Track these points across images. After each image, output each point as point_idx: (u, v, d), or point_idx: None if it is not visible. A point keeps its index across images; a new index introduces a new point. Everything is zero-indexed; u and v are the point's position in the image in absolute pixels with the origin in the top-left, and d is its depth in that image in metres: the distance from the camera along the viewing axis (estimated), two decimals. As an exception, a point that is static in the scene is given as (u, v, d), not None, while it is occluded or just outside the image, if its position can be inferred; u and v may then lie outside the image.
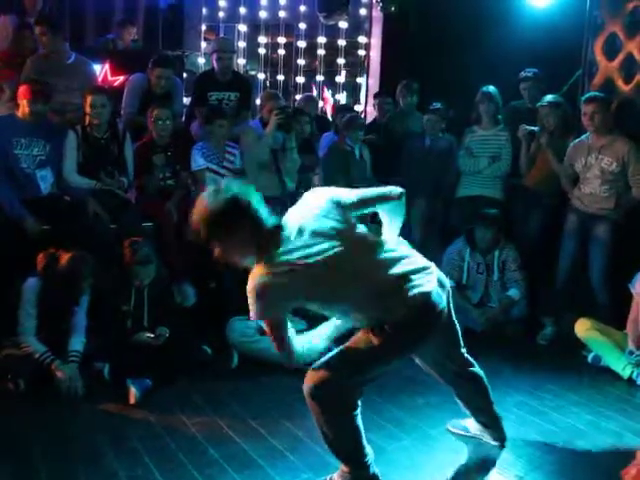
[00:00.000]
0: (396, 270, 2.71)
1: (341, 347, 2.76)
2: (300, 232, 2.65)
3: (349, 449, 2.83)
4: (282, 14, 8.85)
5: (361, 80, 8.60)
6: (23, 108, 4.63)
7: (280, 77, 9.15)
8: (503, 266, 5.19)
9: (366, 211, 2.91)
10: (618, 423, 3.68)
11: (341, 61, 8.82)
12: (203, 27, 9.05)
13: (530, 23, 5.95)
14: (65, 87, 5.18)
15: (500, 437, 3.34)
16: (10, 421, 3.50)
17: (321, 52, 8.81)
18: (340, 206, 2.76)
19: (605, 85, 5.25)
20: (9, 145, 4.59)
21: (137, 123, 5.34)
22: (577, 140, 4.98)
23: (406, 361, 3.94)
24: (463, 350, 3.17)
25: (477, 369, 3.23)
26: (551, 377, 4.29)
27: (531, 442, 3.42)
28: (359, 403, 2.78)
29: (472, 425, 3.40)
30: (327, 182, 5.69)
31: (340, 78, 8.99)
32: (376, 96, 6.68)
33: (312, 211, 2.73)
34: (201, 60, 8.79)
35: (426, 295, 2.70)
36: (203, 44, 8.96)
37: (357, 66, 8.84)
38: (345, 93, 9.24)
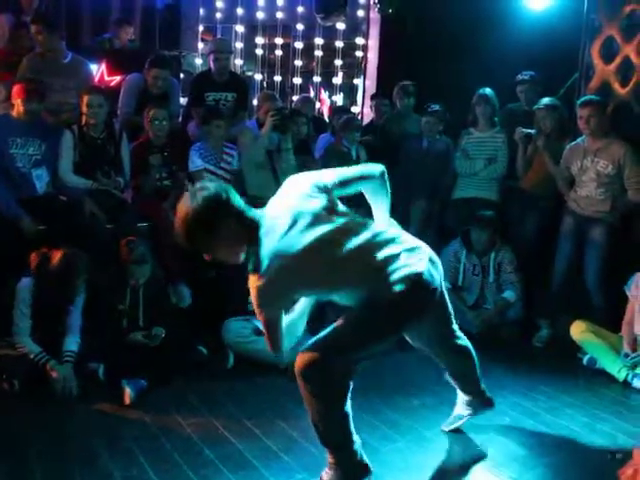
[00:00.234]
0: (387, 251, 2.71)
1: (332, 326, 2.74)
2: (287, 220, 2.65)
3: (336, 433, 2.80)
4: (279, 15, 8.86)
5: (358, 81, 8.62)
6: (18, 107, 4.62)
7: (277, 78, 9.16)
8: (499, 268, 5.19)
9: (349, 191, 2.88)
10: (613, 425, 3.69)
11: (338, 62, 8.84)
12: (200, 27, 9.06)
13: (527, 26, 5.96)
14: (61, 86, 5.17)
15: (487, 401, 3.41)
16: (5, 421, 3.49)
17: (318, 53, 8.82)
18: (323, 189, 2.76)
19: (602, 88, 5.26)
20: (4, 144, 4.58)
21: (134, 123, 5.33)
22: (573, 143, 4.99)
23: (402, 362, 3.98)
24: (455, 327, 3.19)
25: (466, 342, 3.25)
26: (546, 379, 4.30)
27: (525, 444, 3.42)
28: (350, 386, 2.75)
29: (461, 408, 3.44)
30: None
31: (337, 79, 9.01)
32: (373, 98, 6.70)
33: (296, 197, 2.72)
34: (198, 61, 8.79)
35: (418, 274, 2.69)
36: (200, 45, 8.96)
37: (354, 67, 8.86)
38: (342, 94, 9.26)
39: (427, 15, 6.77)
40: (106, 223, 4.74)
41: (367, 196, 2.98)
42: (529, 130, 5.28)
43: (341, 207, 2.80)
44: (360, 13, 8.33)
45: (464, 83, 5.81)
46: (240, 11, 8.92)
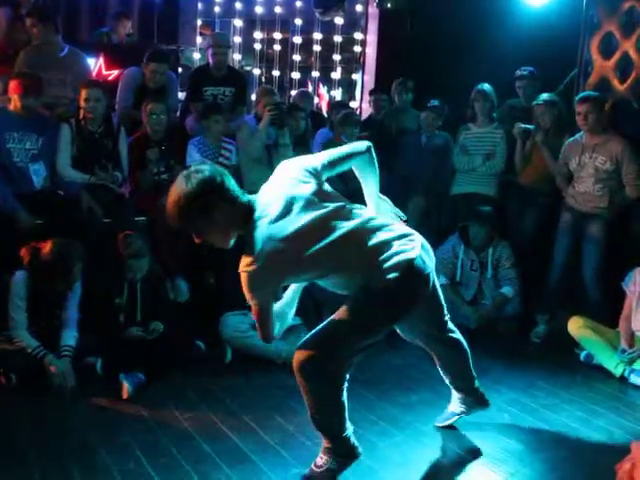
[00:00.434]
0: (379, 236, 2.71)
1: (327, 321, 2.76)
2: (279, 205, 2.65)
3: (333, 423, 2.85)
4: (278, 10, 8.86)
5: (357, 77, 8.61)
6: (15, 102, 4.61)
7: (276, 73, 9.16)
8: (497, 263, 5.20)
9: (339, 170, 2.89)
10: (610, 421, 3.70)
11: (337, 57, 8.83)
12: (199, 22, 9.05)
13: (526, 22, 5.96)
14: (58, 80, 5.16)
15: (482, 400, 3.41)
16: (1, 415, 3.48)
17: (317, 48, 8.81)
18: (314, 173, 2.76)
19: (600, 84, 5.26)
20: (1, 139, 4.58)
21: (132, 117, 5.32)
22: (572, 139, 4.99)
23: (400, 358, 3.98)
24: (446, 318, 3.18)
25: (458, 335, 3.25)
26: (543, 375, 4.31)
27: (523, 439, 3.42)
28: (347, 377, 2.78)
29: (455, 406, 3.44)
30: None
31: (336, 74, 9.00)
32: (371, 93, 6.68)
33: (288, 182, 2.72)
34: (196, 55, 8.79)
35: (410, 261, 2.68)
36: (198, 39, 8.96)
37: (353, 62, 8.86)
38: (340, 89, 9.25)
39: (426, 10, 6.77)
40: (103, 217, 4.74)
41: (357, 173, 2.98)
42: (528, 126, 5.28)
43: (332, 191, 2.81)
44: (359, 8, 8.33)
45: (463, 78, 5.81)
46: (239, 5, 8.91)
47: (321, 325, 2.76)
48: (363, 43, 8.05)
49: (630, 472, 2.46)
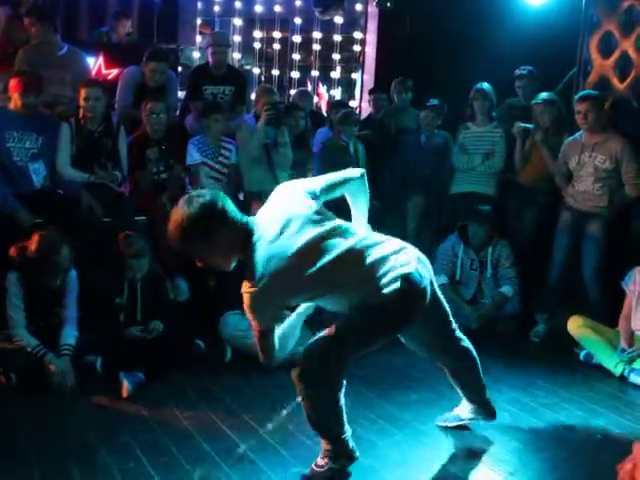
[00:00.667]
0: (376, 253, 2.75)
1: (327, 330, 2.78)
2: (278, 226, 2.69)
3: (331, 426, 2.88)
4: (277, 9, 8.85)
5: (356, 76, 8.61)
6: (15, 101, 4.60)
7: (275, 72, 9.15)
8: (496, 263, 5.20)
9: (334, 195, 2.95)
10: (610, 420, 3.70)
11: (336, 56, 8.83)
12: (198, 21, 9.04)
13: (526, 21, 5.96)
14: (58, 79, 5.15)
15: (491, 413, 3.40)
16: (2, 415, 3.48)
17: (316, 47, 8.80)
18: (312, 195, 2.81)
19: (600, 83, 5.27)
20: (1, 138, 4.56)
21: (131, 116, 5.32)
22: (571, 138, 4.99)
23: (400, 358, 3.98)
24: (453, 327, 3.17)
25: (468, 343, 3.25)
26: (543, 374, 4.31)
27: (522, 439, 3.42)
28: (344, 383, 2.81)
29: (463, 411, 3.44)
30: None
31: (335, 73, 9.00)
32: (371, 92, 6.69)
33: (286, 204, 2.77)
34: (196, 54, 8.79)
35: (406, 276, 2.71)
36: (198, 38, 8.95)
37: (352, 62, 8.86)
38: (340, 89, 9.26)
39: (425, 10, 6.77)
40: (103, 217, 4.73)
41: (348, 198, 3.04)
42: (527, 125, 5.28)
43: (328, 212, 2.85)
44: (358, 7, 8.33)
45: (462, 78, 5.81)
46: (238, 4, 8.91)
47: (320, 334, 2.78)
48: (363, 42, 8.06)
49: (632, 472, 2.45)
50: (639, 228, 4.96)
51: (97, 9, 8.12)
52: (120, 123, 5.03)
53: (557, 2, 5.94)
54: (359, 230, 2.88)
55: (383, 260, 2.73)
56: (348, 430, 2.91)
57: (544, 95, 5.19)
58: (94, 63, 6.22)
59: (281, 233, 2.68)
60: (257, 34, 9.09)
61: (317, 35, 8.72)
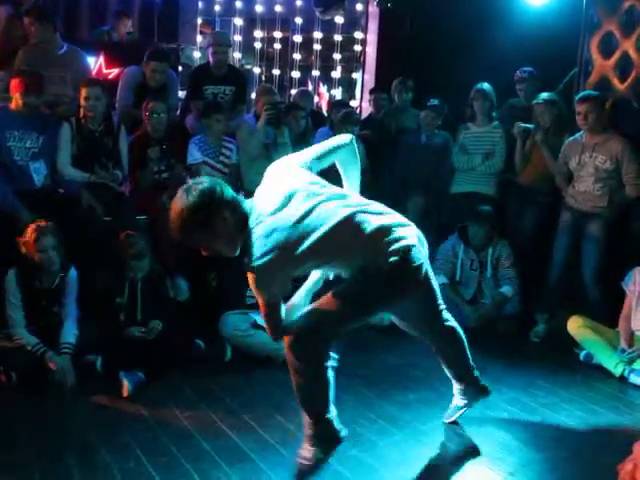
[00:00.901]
0: (379, 221, 2.79)
1: (320, 300, 2.83)
2: (277, 201, 2.74)
3: (318, 401, 2.92)
4: (278, 8, 8.86)
5: (357, 76, 8.61)
6: (16, 101, 4.60)
7: (276, 72, 9.15)
8: (496, 263, 5.20)
9: (326, 163, 2.99)
10: (609, 420, 3.70)
11: (337, 56, 8.83)
12: (199, 20, 9.04)
13: (526, 21, 5.96)
14: (59, 78, 5.15)
15: (482, 389, 3.42)
16: (2, 414, 3.49)
17: (317, 47, 8.81)
18: (305, 167, 2.87)
19: (600, 83, 5.26)
20: (2, 137, 4.57)
21: (132, 116, 5.32)
22: (571, 138, 4.99)
23: (400, 357, 3.98)
24: (441, 307, 3.20)
25: (454, 323, 3.28)
26: (543, 374, 4.30)
27: (522, 438, 3.42)
28: (331, 355, 2.88)
29: (457, 399, 3.46)
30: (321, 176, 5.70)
31: (336, 73, 9.01)
32: (371, 92, 6.69)
33: (282, 179, 2.82)
34: (197, 53, 8.78)
35: (409, 248, 2.76)
36: (199, 37, 8.95)
37: (353, 61, 8.86)
38: (340, 88, 9.26)
39: (426, 10, 6.77)
40: (104, 216, 4.74)
41: (340, 168, 3.06)
42: (527, 125, 5.28)
43: (324, 181, 2.89)
44: (359, 7, 8.33)
45: (462, 78, 5.81)
46: (239, 4, 8.91)
47: (315, 303, 2.83)
48: (363, 42, 8.06)
49: (632, 473, 2.45)
50: (639, 228, 4.96)
51: (98, 8, 8.12)
52: (121, 122, 5.03)
53: (558, 2, 5.94)
54: (359, 197, 2.92)
55: (388, 229, 2.77)
56: (333, 410, 2.96)
57: (545, 95, 5.19)
58: (95, 62, 6.23)
59: (282, 207, 2.72)
60: (258, 34, 9.09)
61: (318, 35, 8.72)
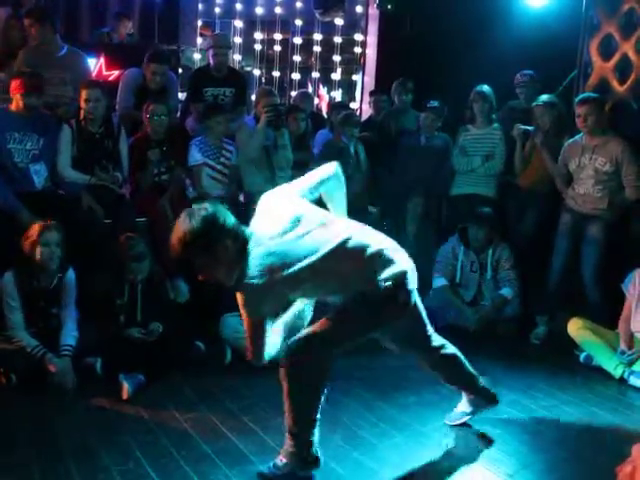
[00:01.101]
0: (373, 247, 2.82)
1: (318, 323, 2.84)
2: (274, 226, 2.78)
3: (307, 423, 2.88)
4: (278, 10, 8.87)
5: (357, 77, 8.61)
6: (17, 102, 4.59)
7: (276, 73, 9.16)
8: (496, 265, 5.20)
9: (317, 195, 3.02)
10: (609, 422, 3.70)
11: (337, 58, 8.84)
12: (199, 22, 9.05)
13: (526, 23, 5.96)
14: (60, 79, 5.15)
15: (492, 399, 3.44)
16: (2, 415, 3.48)
17: (317, 49, 8.82)
18: (299, 195, 2.92)
19: (600, 85, 5.27)
20: (2, 139, 4.56)
21: (132, 118, 5.32)
22: (571, 140, 4.99)
23: (399, 359, 3.97)
24: (429, 333, 3.21)
25: (451, 349, 3.29)
26: (543, 376, 4.31)
27: (522, 440, 3.43)
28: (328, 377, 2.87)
29: (465, 405, 3.47)
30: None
31: (336, 75, 9.01)
32: (371, 94, 6.70)
33: (279, 206, 2.86)
34: (197, 55, 8.79)
35: (403, 273, 2.82)
36: (199, 39, 8.96)
37: (353, 63, 8.86)
38: (340, 90, 9.26)
39: (426, 12, 6.77)
40: (104, 218, 4.73)
41: (325, 196, 3.09)
42: (527, 127, 5.28)
43: (320, 209, 2.94)
44: (359, 9, 8.33)
45: (462, 80, 5.82)
46: (239, 6, 8.92)
47: (310, 328, 2.84)
48: (363, 44, 8.06)
49: (631, 475, 2.45)
50: (639, 230, 4.96)
51: (98, 10, 8.13)
52: (121, 124, 5.03)
53: (557, 4, 5.94)
54: (354, 223, 2.96)
55: (381, 255, 2.81)
56: (317, 434, 2.93)
57: (544, 97, 5.19)
58: (95, 64, 6.23)
59: (284, 232, 2.75)
60: (258, 36, 9.10)
61: (318, 37, 8.73)
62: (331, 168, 3.05)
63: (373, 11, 7.59)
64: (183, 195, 5.15)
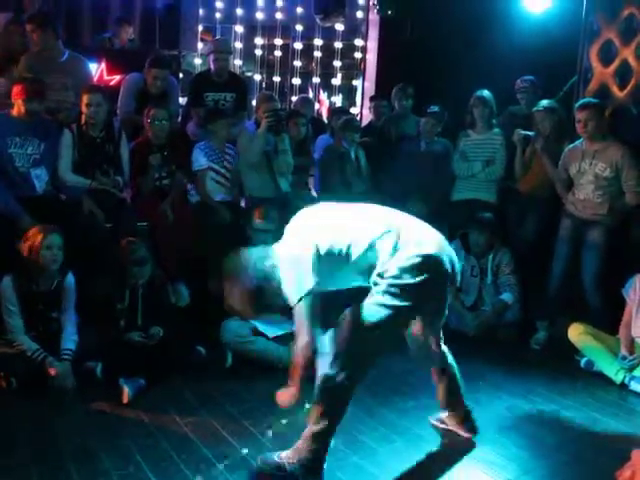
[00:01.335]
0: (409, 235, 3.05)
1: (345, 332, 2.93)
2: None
3: (328, 439, 2.95)
4: (279, 16, 8.88)
5: (357, 83, 8.63)
6: (19, 107, 4.60)
7: (276, 79, 9.17)
8: (497, 270, 5.20)
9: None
10: (610, 428, 3.70)
11: (337, 63, 8.85)
12: (200, 28, 9.06)
13: (526, 29, 5.97)
14: (61, 84, 5.16)
15: (472, 428, 3.45)
16: (2, 419, 3.48)
17: (317, 54, 8.83)
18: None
19: (600, 91, 5.28)
20: (3, 144, 4.57)
21: (133, 122, 5.33)
22: (571, 145, 4.99)
23: (399, 364, 3.97)
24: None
25: (452, 370, 3.35)
26: (543, 381, 4.30)
27: (522, 446, 3.43)
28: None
29: (449, 420, 3.48)
30: (323, 183, 5.71)
31: (336, 80, 9.03)
32: (372, 99, 6.71)
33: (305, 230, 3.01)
34: (198, 60, 8.80)
35: (437, 259, 2.94)
36: (200, 44, 8.97)
37: (353, 69, 8.88)
38: (341, 95, 9.27)
39: (426, 17, 6.79)
40: (105, 222, 4.74)
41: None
42: (527, 132, 5.29)
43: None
44: (359, 14, 8.35)
45: (462, 85, 5.82)
46: (239, 11, 8.94)
47: (346, 339, 2.90)
48: (364, 49, 8.08)
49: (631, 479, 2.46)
50: (639, 236, 4.96)
51: (99, 15, 8.14)
52: (122, 129, 5.04)
53: (558, 10, 5.95)
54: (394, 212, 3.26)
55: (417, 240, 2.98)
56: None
57: (545, 102, 5.19)
58: (96, 69, 6.25)
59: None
60: (258, 41, 9.12)
61: (318, 42, 8.75)
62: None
63: (373, 16, 7.62)
64: (184, 199, 5.17)
